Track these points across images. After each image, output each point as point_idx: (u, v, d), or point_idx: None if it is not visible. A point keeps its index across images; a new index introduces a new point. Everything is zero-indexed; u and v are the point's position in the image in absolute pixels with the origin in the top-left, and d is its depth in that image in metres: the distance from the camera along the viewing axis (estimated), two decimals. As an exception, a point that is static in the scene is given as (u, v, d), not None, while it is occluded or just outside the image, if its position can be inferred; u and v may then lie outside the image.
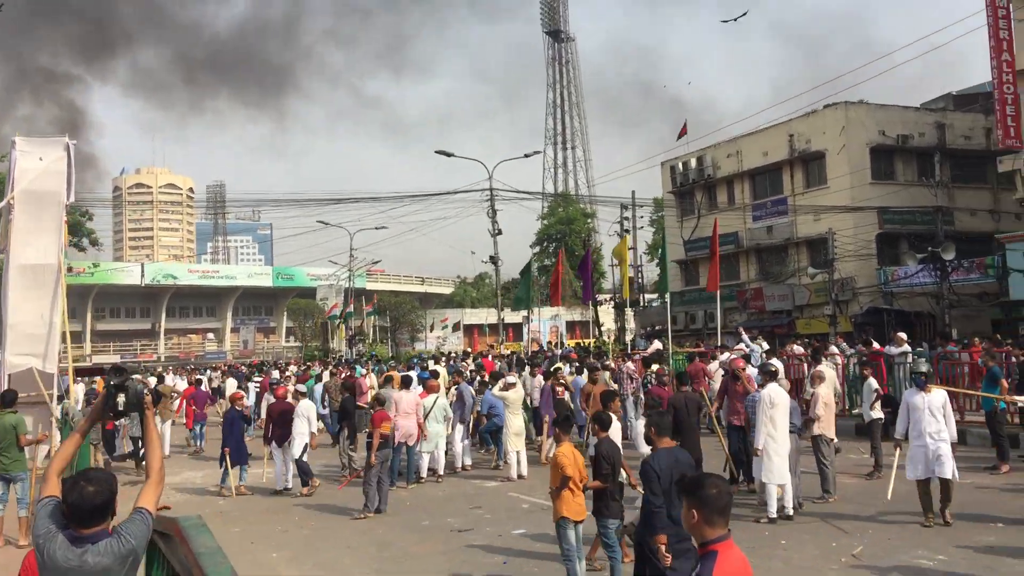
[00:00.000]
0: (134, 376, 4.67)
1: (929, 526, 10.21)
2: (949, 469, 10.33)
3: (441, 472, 15.53)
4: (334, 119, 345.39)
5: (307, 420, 14.83)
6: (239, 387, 27.06)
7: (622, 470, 8.58)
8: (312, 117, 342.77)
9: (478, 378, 18.54)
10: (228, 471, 15.20)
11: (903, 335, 18.85)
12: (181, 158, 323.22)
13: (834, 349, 21.02)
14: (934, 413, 10.52)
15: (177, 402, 26.15)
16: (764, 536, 10.45)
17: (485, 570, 9.57)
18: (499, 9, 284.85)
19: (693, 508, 3.79)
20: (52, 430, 15.80)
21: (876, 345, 19.27)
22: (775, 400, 11.22)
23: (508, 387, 15.44)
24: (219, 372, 36.38)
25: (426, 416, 15.14)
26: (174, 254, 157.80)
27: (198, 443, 21.84)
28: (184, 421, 23.86)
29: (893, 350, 18.11)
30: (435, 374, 18.06)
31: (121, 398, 4.49)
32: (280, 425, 15.07)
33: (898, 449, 11.03)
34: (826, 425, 12.17)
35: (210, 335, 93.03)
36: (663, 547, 6.52)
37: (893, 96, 69.86)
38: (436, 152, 37.79)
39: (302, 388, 16.71)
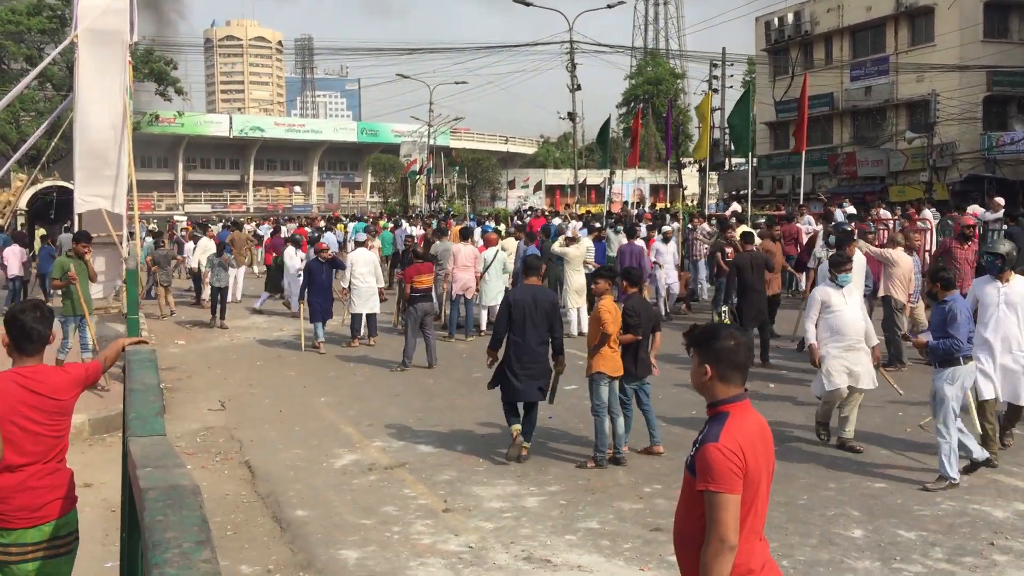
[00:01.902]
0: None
1: (995, 464, 7.57)
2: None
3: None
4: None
5: (369, 271, 14.56)
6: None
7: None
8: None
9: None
10: (316, 325, 14.31)
11: (1000, 200, 17.51)
12: (269, 10, 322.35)
13: (927, 214, 19.91)
14: (1015, 310, 7.74)
15: (256, 248, 26.45)
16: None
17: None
18: None
19: (706, 363, 3.20)
20: (121, 270, 16.10)
21: (973, 209, 17.91)
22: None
23: (569, 242, 14.91)
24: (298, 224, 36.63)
25: (486, 269, 14.79)
26: (264, 108, 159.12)
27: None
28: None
29: (989, 216, 16.90)
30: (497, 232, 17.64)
31: None
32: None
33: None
34: (896, 289, 11.37)
35: (297, 188, 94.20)
36: (491, 360, 8.40)
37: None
38: (514, 0, 36.19)
39: (361, 237, 16.45)
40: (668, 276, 16.20)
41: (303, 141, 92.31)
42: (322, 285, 14.36)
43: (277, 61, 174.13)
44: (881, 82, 38.36)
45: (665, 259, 16.22)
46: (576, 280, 14.54)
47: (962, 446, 7.22)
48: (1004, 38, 35.27)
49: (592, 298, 8.87)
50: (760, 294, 12.00)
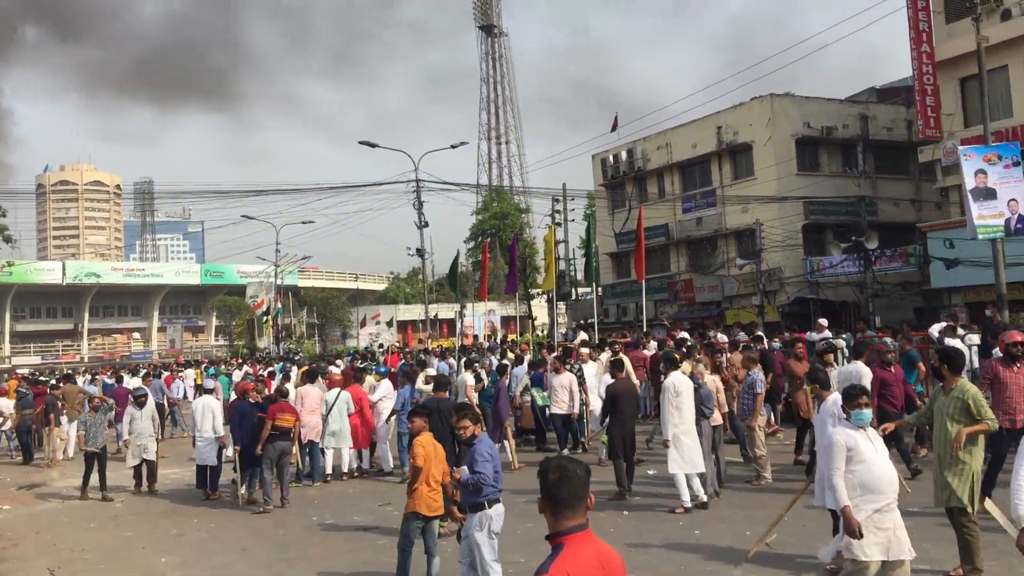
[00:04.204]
0: None
1: None
2: None
3: (346, 470, 14.76)
4: (267, 118, 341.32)
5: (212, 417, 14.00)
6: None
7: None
8: (245, 115, 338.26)
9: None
10: (240, 475, 13.16)
11: (824, 321, 18.87)
12: (107, 155, 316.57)
13: (760, 335, 20.95)
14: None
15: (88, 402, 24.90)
16: (679, 527, 10.14)
17: (386, 570, 9.07)
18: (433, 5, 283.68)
19: (540, 497, 3.37)
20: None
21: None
22: (679, 388, 10.94)
23: (430, 381, 14.82)
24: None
25: (328, 411, 14.46)
26: (101, 253, 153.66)
27: (120, 441, 20.81)
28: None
29: (815, 336, 18.02)
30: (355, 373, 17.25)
31: None
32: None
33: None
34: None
35: (136, 335, 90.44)
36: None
37: (822, 90, 70.86)
38: (360, 143, 36.83)
39: (210, 384, 15.89)
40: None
41: (143, 285, 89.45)
42: (252, 430, 13.00)
43: (115, 205, 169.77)
44: (710, 213, 40.77)
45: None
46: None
47: None
48: (815, 171, 38.34)
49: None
50: (631, 419, 12.16)
